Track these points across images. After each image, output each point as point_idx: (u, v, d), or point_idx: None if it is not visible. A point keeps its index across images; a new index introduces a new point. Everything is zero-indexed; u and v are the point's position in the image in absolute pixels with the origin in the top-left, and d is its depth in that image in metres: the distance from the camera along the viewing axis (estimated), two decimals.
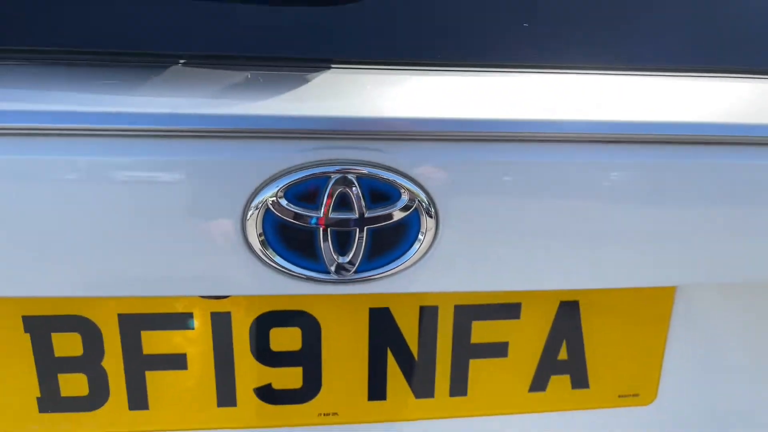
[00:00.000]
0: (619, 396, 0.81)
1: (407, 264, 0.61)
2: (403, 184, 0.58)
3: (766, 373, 0.81)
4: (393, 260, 0.61)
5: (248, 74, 0.59)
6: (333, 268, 0.60)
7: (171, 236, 0.58)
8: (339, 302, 0.71)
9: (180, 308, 0.70)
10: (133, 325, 0.70)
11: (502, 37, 0.65)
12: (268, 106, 0.55)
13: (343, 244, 0.60)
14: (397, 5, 0.62)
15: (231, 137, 0.56)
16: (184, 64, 0.59)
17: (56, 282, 0.58)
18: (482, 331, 0.75)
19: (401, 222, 0.60)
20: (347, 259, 0.60)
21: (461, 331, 0.74)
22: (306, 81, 0.57)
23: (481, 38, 0.64)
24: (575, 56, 0.67)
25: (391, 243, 0.61)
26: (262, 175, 0.56)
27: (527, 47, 0.66)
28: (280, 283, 0.61)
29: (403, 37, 0.62)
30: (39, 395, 0.72)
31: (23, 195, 0.57)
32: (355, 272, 0.61)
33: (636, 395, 0.81)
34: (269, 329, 0.71)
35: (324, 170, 0.57)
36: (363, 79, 0.60)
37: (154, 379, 0.72)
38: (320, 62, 0.60)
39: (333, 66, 0.60)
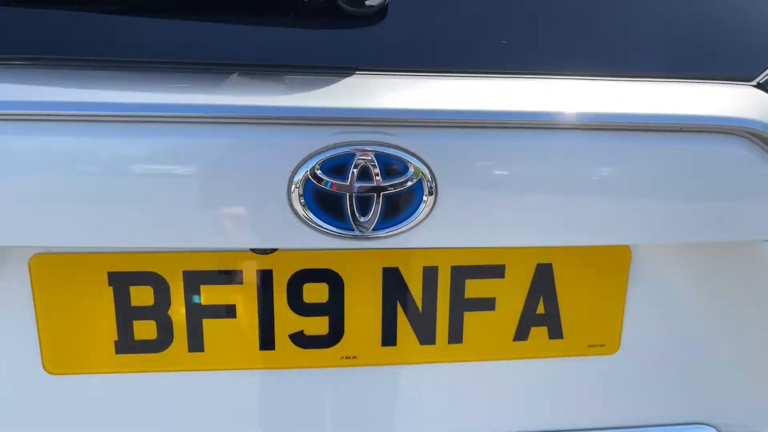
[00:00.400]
0: (589, 346, 0.98)
1: (412, 224, 0.79)
2: (409, 160, 0.76)
3: (714, 326, 0.98)
4: (402, 221, 0.79)
5: (293, 78, 0.78)
6: (356, 226, 0.78)
7: (234, 201, 0.76)
8: (358, 262, 0.89)
9: (232, 266, 0.87)
10: (194, 279, 0.87)
11: (489, 50, 0.83)
12: (312, 100, 0.74)
13: (364, 208, 0.78)
14: (409, 26, 0.81)
15: (283, 124, 0.74)
16: (240, 73, 0.77)
17: (150, 235, 0.77)
18: (474, 288, 0.92)
19: (408, 190, 0.78)
20: (367, 218, 0.78)
21: (457, 288, 0.91)
22: (339, 83, 0.76)
23: (469, 51, 0.83)
24: (550, 64, 0.85)
25: (400, 207, 0.79)
26: (304, 152, 0.75)
27: (511, 57, 0.84)
28: (316, 239, 0.79)
29: (413, 49, 0.81)
30: (116, 339, 0.89)
31: (121, 168, 0.75)
32: (372, 230, 0.79)
33: (602, 345, 0.98)
34: (302, 284, 0.89)
35: (350, 149, 0.75)
36: (380, 82, 0.78)
37: (209, 325, 0.90)
38: (349, 69, 0.78)
39: (358, 72, 0.79)
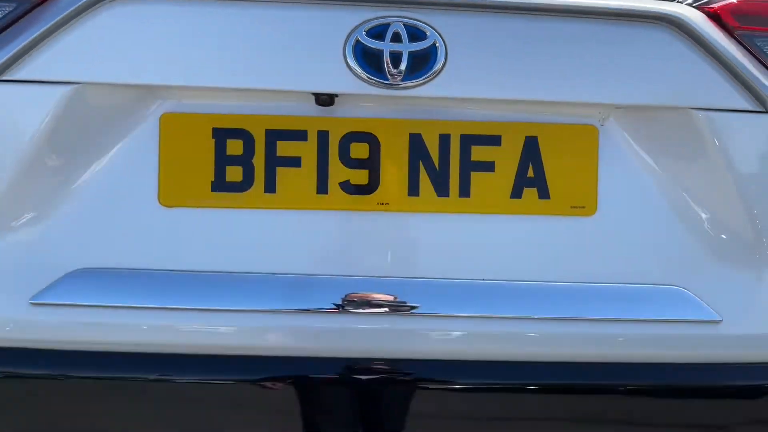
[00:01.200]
0: (571, 207, 1.24)
1: (430, 76, 1.13)
2: (428, 30, 1.13)
3: (671, 192, 1.23)
4: (422, 74, 1.13)
5: None
6: (390, 76, 1.12)
7: (309, 54, 1.13)
8: (391, 128, 1.21)
9: (301, 126, 1.21)
10: (273, 136, 1.21)
11: None
12: None
13: (395, 63, 1.12)
14: None
15: (345, 5, 1.13)
16: None
17: (242, 77, 1.13)
18: (478, 153, 1.22)
19: (427, 51, 1.13)
20: (398, 70, 1.12)
21: (465, 152, 1.22)
22: None
23: None
24: None
25: (421, 65, 1.13)
26: (356, 21, 1.12)
27: None
28: (361, 86, 1.13)
29: None
30: (213, 179, 1.21)
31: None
32: (401, 80, 1.13)
33: (583, 207, 1.24)
34: (350, 143, 1.21)
35: (388, 20, 1.13)
36: None
37: (281, 172, 1.21)
38: None
39: None
